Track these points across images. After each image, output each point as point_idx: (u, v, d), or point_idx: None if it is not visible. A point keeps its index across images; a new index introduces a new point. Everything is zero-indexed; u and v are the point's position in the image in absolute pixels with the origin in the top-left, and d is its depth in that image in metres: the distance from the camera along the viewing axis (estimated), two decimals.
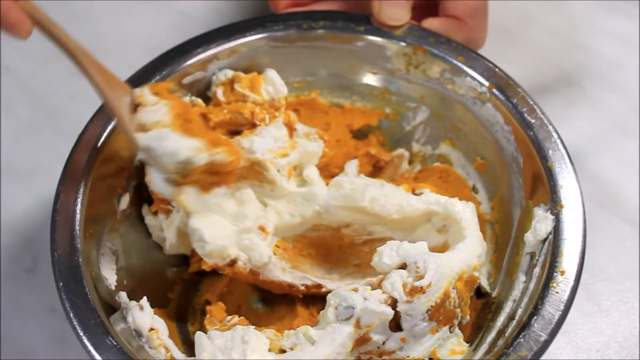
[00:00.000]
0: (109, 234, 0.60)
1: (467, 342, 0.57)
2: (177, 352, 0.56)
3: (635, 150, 0.74)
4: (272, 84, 0.65)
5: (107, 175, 0.60)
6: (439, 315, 0.54)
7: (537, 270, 0.56)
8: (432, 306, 0.54)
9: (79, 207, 0.57)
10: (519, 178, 0.61)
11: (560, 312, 0.53)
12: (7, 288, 0.68)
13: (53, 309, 0.67)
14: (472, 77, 0.63)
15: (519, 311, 0.55)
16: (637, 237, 0.70)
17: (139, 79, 0.62)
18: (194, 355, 0.54)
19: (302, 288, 0.63)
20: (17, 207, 0.72)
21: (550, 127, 0.59)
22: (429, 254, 0.56)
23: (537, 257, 0.56)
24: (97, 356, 0.52)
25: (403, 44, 0.64)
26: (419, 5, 0.66)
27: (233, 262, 0.59)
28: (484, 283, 0.61)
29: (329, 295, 0.55)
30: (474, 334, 0.58)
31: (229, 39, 0.65)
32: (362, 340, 0.54)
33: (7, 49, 0.81)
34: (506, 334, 0.54)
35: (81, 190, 0.58)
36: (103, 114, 0.61)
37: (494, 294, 0.60)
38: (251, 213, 0.60)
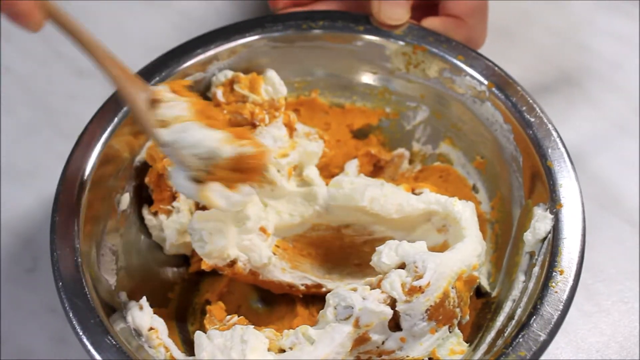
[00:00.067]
0: (108, 234, 0.60)
1: (467, 342, 0.57)
2: (176, 352, 0.56)
3: (635, 150, 0.74)
4: (272, 84, 0.65)
5: (107, 175, 0.60)
6: (438, 315, 0.54)
7: (536, 269, 0.56)
8: (431, 306, 0.54)
9: (79, 207, 0.57)
10: (518, 177, 0.61)
11: (560, 312, 0.52)
12: (7, 288, 0.68)
13: (53, 309, 0.67)
14: (471, 76, 0.63)
15: (519, 311, 0.55)
16: (637, 237, 0.70)
17: None
18: (194, 355, 0.54)
19: (302, 288, 0.63)
20: (17, 207, 0.73)
21: (549, 126, 0.59)
22: (428, 253, 0.55)
23: (536, 257, 0.56)
24: (96, 356, 0.52)
25: (402, 43, 0.64)
26: (418, 5, 0.66)
27: (233, 263, 0.59)
28: (484, 283, 0.61)
29: (328, 295, 0.55)
30: (473, 333, 0.58)
31: (229, 40, 0.65)
32: (361, 340, 0.54)
33: (7, 49, 0.81)
34: (505, 334, 0.54)
35: (81, 190, 0.58)
36: (103, 114, 0.61)
37: (494, 294, 0.60)
38: (253, 214, 0.60)
